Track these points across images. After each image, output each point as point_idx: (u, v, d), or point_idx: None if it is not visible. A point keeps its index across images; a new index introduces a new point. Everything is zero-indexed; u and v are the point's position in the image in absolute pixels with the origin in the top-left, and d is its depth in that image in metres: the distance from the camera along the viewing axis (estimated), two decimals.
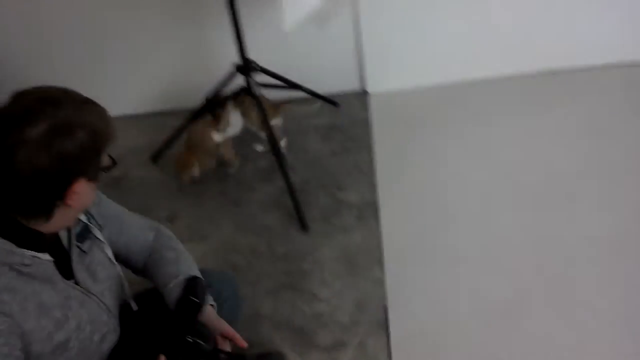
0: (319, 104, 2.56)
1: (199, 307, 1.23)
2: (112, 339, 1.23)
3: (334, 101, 2.68)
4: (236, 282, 1.55)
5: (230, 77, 2.26)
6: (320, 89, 2.64)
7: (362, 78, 2.72)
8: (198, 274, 1.33)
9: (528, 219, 2.00)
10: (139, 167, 2.44)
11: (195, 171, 2.26)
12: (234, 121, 2.30)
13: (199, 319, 1.22)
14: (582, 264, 1.83)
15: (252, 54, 2.25)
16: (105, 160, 1.10)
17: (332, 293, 1.85)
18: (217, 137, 2.27)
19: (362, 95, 2.72)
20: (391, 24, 2.57)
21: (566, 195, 2.06)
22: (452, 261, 1.90)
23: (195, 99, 2.34)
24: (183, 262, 1.35)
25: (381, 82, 2.72)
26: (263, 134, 2.27)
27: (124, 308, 1.31)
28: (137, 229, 1.36)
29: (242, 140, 2.51)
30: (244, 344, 1.25)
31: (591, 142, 2.26)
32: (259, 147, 2.45)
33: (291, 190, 2.10)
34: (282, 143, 2.37)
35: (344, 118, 2.61)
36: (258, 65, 2.28)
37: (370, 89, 2.73)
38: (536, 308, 1.74)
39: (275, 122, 2.31)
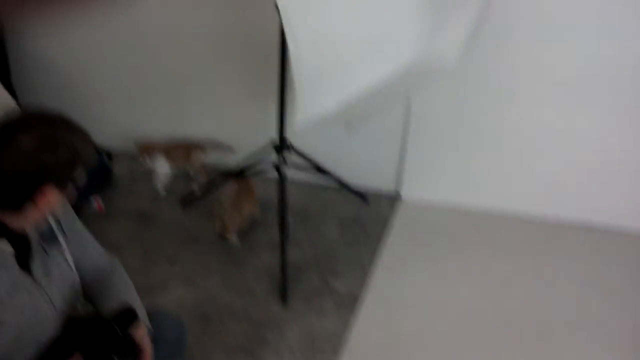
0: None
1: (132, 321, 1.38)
2: (52, 335, 1.39)
3: (365, 196, 2.81)
4: (186, 330, 1.66)
5: (265, 151, 2.48)
6: (357, 182, 2.80)
7: (398, 181, 2.85)
8: (140, 307, 1.48)
9: None
10: (170, 209, 2.69)
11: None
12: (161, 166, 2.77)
13: (133, 336, 1.35)
14: None
15: (297, 136, 2.46)
16: (78, 177, 1.31)
17: None
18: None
19: (395, 197, 2.84)
20: (438, 136, 2.70)
21: (548, 347, 2.01)
22: None
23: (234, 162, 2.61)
24: (130, 293, 1.51)
25: (415, 190, 2.82)
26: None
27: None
28: (95, 252, 1.54)
29: (265, 208, 2.71)
30: None
31: (592, 301, 2.20)
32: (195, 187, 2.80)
33: (283, 263, 2.23)
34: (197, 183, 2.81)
35: (368, 214, 2.72)
36: (293, 146, 2.48)
37: (403, 193, 2.84)
38: None
39: (196, 158, 2.75)
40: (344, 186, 2.73)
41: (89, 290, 1.50)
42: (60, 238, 1.42)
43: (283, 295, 2.19)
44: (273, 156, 2.47)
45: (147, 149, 2.74)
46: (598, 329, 2.07)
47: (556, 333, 2.05)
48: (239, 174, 2.60)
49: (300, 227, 2.62)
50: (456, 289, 2.27)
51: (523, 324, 2.09)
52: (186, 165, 2.78)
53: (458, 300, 2.21)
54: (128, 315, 1.43)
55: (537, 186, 2.66)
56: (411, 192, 2.83)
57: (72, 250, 1.46)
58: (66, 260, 1.43)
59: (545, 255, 2.46)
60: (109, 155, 2.81)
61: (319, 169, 2.62)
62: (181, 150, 2.75)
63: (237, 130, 2.88)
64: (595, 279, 2.31)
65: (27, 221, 1.31)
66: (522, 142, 2.61)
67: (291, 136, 2.46)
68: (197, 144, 2.80)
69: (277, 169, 2.42)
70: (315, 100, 1.85)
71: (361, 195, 2.79)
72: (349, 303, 2.19)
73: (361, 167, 2.84)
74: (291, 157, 2.50)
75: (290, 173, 2.53)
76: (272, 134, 2.44)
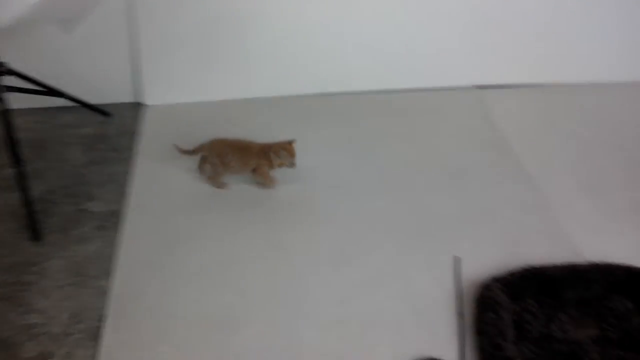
0: None
1: None
2: None
3: (106, 111, 2.64)
4: None
5: None
6: (94, 98, 2.60)
7: (136, 90, 2.71)
8: None
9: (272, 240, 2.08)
10: None
11: None
12: None
13: None
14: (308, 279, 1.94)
15: (19, 62, 2.19)
16: None
17: (50, 304, 1.80)
18: None
19: (137, 106, 2.71)
20: (172, 36, 2.59)
21: (308, 211, 2.17)
22: (183, 278, 1.90)
23: None
24: None
25: (159, 95, 2.72)
26: None
27: None
28: None
29: None
30: None
31: (348, 161, 2.41)
32: None
33: (26, 200, 2.02)
34: None
35: (112, 129, 2.57)
36: (14, 70, 2.18)
37: (147, 101, 2.72)
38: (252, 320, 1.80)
39: None
40: (79, 103, 2.52)
41: None
42: None
43: (34, 232, 2.01)
44: None
45: None
46: (355, 187, 2.28)
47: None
48: None
49: (39, 157, 2.39)
50: None
51: (276, 202, 2.22)
52: None
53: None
54: None
55: (277, 65, 2.75)
56: (156, 96, 2.73)
57: None
58: None
59: (301, 126, 2.58)
60: None
61: (47, 89, 2.36)
62: None
63: None
64: (351, 139, 2.51)
65: None
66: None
67: (11, 61, 2.16)
68: None
69: None
70: None
71: (101, 111, 2.61)
72: (111, 222, 2.10)
73: (95, 81, 2.64)
74: (13, 82, 2.21)
75: (17, 101, 2.25)
76: None
